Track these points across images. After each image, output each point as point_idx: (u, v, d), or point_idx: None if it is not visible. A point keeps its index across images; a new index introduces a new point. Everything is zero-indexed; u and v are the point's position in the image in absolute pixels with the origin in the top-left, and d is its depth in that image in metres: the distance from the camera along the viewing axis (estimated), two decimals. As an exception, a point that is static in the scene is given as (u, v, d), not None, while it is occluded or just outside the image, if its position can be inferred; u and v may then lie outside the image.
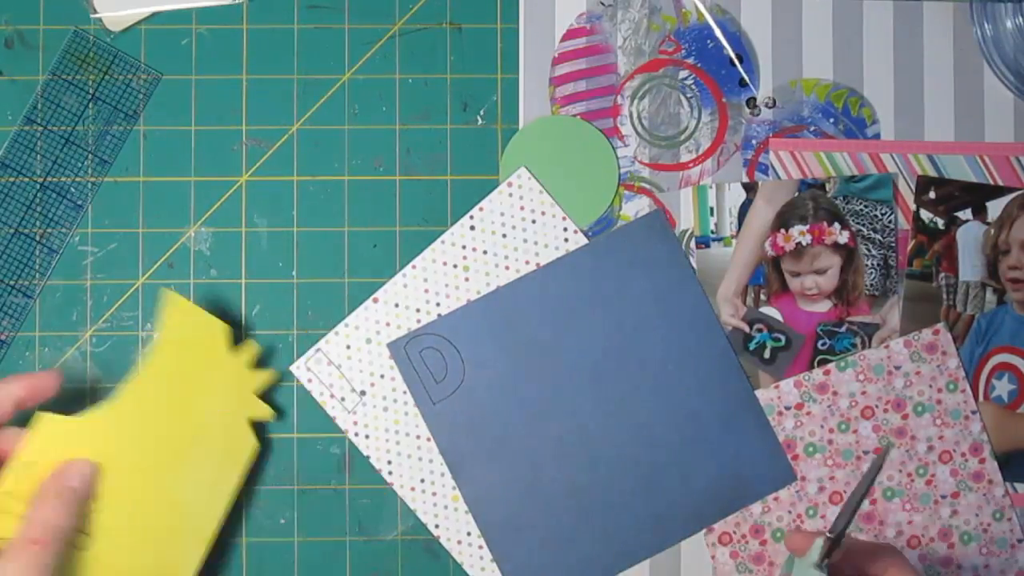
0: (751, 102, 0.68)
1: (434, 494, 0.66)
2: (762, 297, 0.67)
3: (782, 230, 0.67)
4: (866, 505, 0.66)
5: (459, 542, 0.66)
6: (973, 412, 0.66)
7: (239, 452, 0.62)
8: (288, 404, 0.66)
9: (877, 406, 0.66)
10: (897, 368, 0.67)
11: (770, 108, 0.68)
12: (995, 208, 0.68)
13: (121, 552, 0.59)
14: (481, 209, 0.67)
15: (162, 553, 0.60)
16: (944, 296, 0.67)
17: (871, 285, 0.67)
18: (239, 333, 0.66)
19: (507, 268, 0.66)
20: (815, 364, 0.67)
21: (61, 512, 0.54)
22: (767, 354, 0.67)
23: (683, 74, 0.68)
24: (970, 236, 0.68)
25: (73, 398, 0.66)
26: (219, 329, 0.62)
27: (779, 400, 0.66)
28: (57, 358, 0.66)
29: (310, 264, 0.67)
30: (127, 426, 0.60)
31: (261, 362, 0.65)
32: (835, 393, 0.67)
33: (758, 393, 0.66)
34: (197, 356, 0.62)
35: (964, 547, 0.66)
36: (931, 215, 0.68)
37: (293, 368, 0.66)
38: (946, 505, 0.66)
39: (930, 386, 0.67)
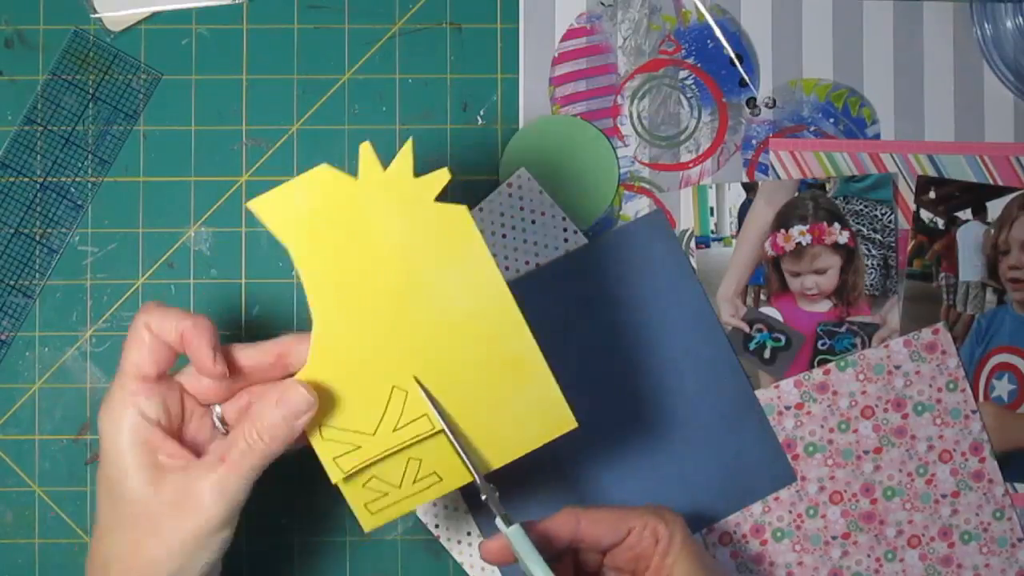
0: (751, 102, 0.68)
1: (434, 494, 0.66)
2: (762, 297, 0.67)
3: (782, 230, 0.67)
4: (867, 504, 0.66)
5: (459, 542, 0.66)
6: (973, 411, 0.66)
7: (458, 229, 0.50)
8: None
9: (877, 406, 0.66)
10: (897, 368, 0.67)
11: (770, 108, 0.68)
12: (995, 208, 0.68)
13: (475, 403, 0.52)
14: (481, 209, 0.67)
15: (508, 377, 0.52)
16: (944, 296, 0.67)
17: (871, 285, 0.67)
18: (239, 333, 0.66)
19: (507, 268, 0.66)
20: (815, 364, 0.67)
21: (258, 436, 0.50)
22: (767, 354, 0.67)
23: (683, 74, 0.68)
24: (970, 236, 0.68)
25: (73, 398, 0.66)
26: (327, 172, 0.50)
27: (779, 400, 0.66)
28: (57, 358, 0.66)
29: (310, 264, 0.67)
30: (362, 318, 0.51)
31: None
32: (835, 393, 0.67)
33: (758, 393, 0.66)
34: (337, 210, 0.50)
35: (964, 546, 0.66)
36: (931, 215, 0.68)
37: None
38: (946, 504, 0.66)
39: (930, 385, 0.67)
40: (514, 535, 0.52)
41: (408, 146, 0.50)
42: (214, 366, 0.50)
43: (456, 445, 0.51)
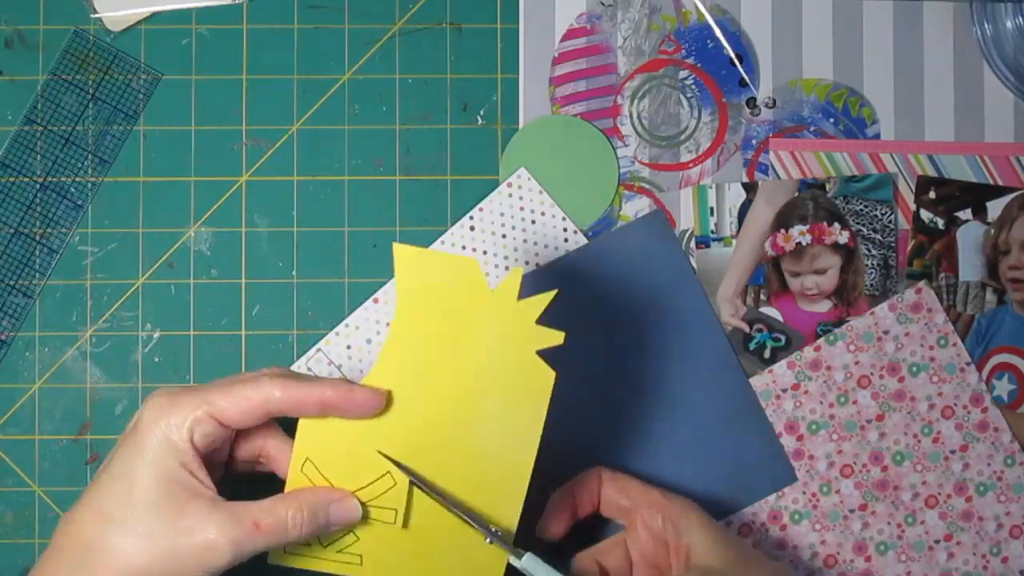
0: (751, 102, 0.68)
1: (434, 494, 0.66)
2: (762, 297, 0.67)
3: (782, 230, 0.67)
4: (878, 472, 0.66)
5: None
6: (968, 364, 0.66)
7: (536, 385, 0.54)
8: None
9: (872, 373, 0.66)
10: (886, 333, 0.67)
11: (770, 108, 0.68)
12: (995, 208, 0.68)
13: (440, 518, 0.54)
14: (481, 209, 0.67)
15: (482, 507, 0.54)
16: (944, 296, 0.67)
17: (871, 285, 0.67)
18: (239, 333, 0.66)
19: (507, 268, 0.66)
20: (815, 364, 0.67)
21: (300, 524, 0.51)
22: (767, 354, 0.67)
23: (683, 74, 0.68)
24: (970, 236, 0.68)
25: (73, 398, 0.66)
26: (470, 265, 0.53)
27: (775, 383, 0.66)
28: (57, 358, 0.66)
29: (310, 264, 0.67)
30: (407, 393, 0.54)
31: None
32: (829, 368, 0.67)
33: (752, 380, 0.66)
34: (453, 300, 0.53)
35: (981, 498, 0.66)
36: (931, 215, 0.68)
37: (293, 368, 0.66)
38: (957, 460, 0.66)
39: (921, 345, 0.67)
40: (529, 563, 0.52)
41: (517, 273, 0.53)
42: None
43: (461, 514, 0.53)
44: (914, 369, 0.66)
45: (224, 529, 0.49)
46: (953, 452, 0.66)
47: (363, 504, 0.53)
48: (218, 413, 0.50)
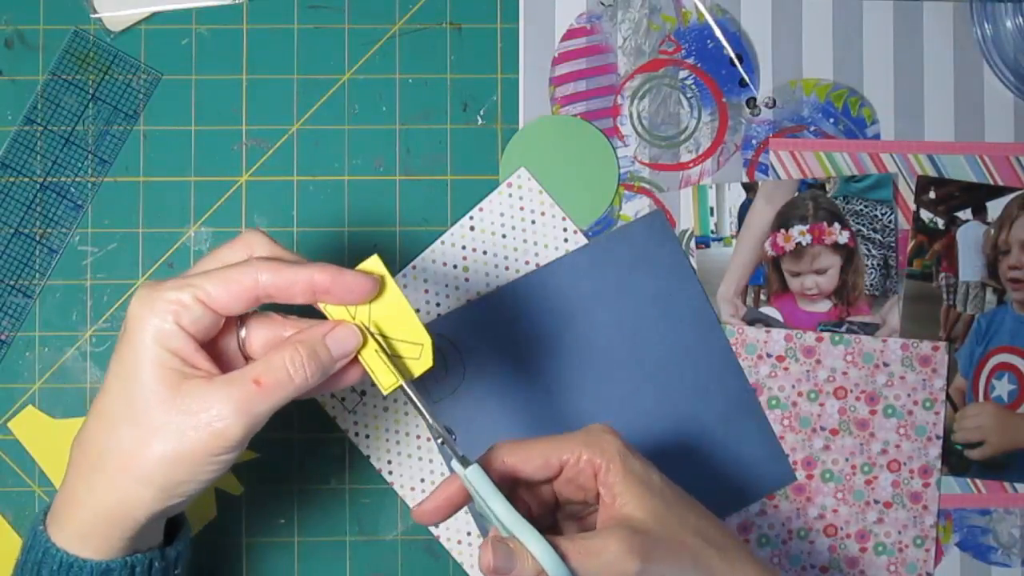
0: (751, 102, 0.68)
1: (434, 494, 0.66)
2: (762, 297, 0.67)
3: (782, 230, 0.67)
4: (803, 476, 0.66)
5: (459, 542, 0.66)
6: (938, 437, 0.66)
7: (196, 515, 0.60)
8: (288, 404, 0.66)
9: (852, 391, 0.66)
10: (886, 365, 0.67)
11: (770, 108, 0.68)
12: (995, 208, 0.68)
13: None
14: (481, 209, 0.67)
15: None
16: (944, 296, 0.67)
17: (871, 285, 0.67)
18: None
19: (507, 268, 0.66)
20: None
21: (301, 366, 0.48)
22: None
23: (683, 74, 0.68)
24: (970, 236, 0.68)
25: (73, 398, 0.66)
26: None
27: (764, 345, 0.66)
28: (57, 358, 0.66)
29: (310, 264, 0.67)
30: None
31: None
32: (819, 361, 0.67)
33: (747, 332, 0.66)
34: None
35: (875, 557, 0.66)
36: (931, 215, 0.68)
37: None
38: (875, 510, 0.66)
39: (908, 395, 0.66)
40: (474, 475, 0.50)
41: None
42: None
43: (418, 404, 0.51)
44: (889, 411, 0.66)
45: (226, 399, 0.47)
46: (877, 502, 0.66)
47: (362, 328, 0.51)
48: (206, 297, 0.48)
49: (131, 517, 0.48)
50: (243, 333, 0.51)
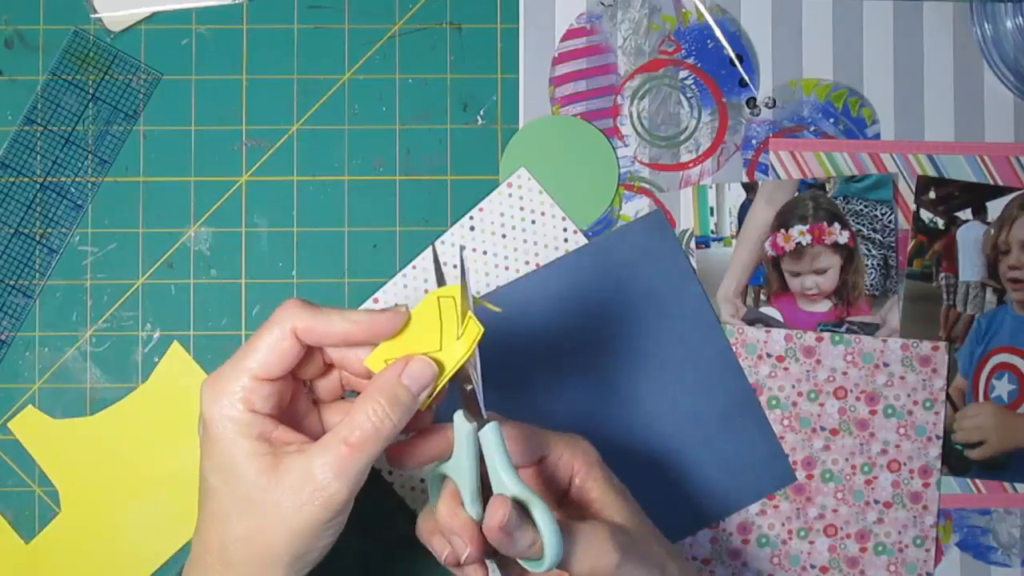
0: (751, 102, 0.68)
1: (434, 494, 0.66)
2: (762, 297, 0.67)
3: (782, 230, 0.67)
4: (802, 475, 0.66)
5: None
6: (938, 437, 0.66)
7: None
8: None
9: (852, 391, 0.66)
10: (886, 365, 0.67)
11: (770, 108, 0.68)
12: (995, 208, 0.68)
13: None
14: (481, 209, 0.67)
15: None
16: (944, 296, 0.67)
17: (871, 285, 0.67)
18: (239, 333, 0.66)
19: (507, 268, 0.66)
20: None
21: (384, 416, 0.49)
22: (767, 354, 0.67)
23: (683, 74, 0.68)
24: (970, 236, 0.68)
25: (73, 398, 0.66)
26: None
27: (764, 345, 0.66)
28: (57, 358, 0.66)
29: (310, 264, 0.67)
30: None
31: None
32: (819, 361, 0.67)
33: (747, 331, 0.66)
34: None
35: (875, 557, 0.66)
36: (931, 215, 0.68)
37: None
38: (875, 511, 0.66)
39: (909, 395, 0.66)
40: (490, 434, 0.50)
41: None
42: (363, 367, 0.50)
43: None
44: (889, 411, 0.66)
45: (324, 468, 0.47)
46: (877, 502, 0.66)
47: (433, 358, 0.51)
48: (262, 371, 0.49)
49: None
50: (310, 383, 0.53)
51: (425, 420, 0.53)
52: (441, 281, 0.53)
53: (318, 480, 0.47)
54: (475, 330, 0.51)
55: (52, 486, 0.65)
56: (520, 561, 0.50)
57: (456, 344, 0.51)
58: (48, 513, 0.65)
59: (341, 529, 0.50)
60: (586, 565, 0.49)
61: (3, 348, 0.66)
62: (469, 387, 0.51)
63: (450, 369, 0.51)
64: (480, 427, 0.50)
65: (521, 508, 0.48)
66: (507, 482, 0.49)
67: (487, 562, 0.53)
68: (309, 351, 0.51)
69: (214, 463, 0.49)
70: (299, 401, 0.52)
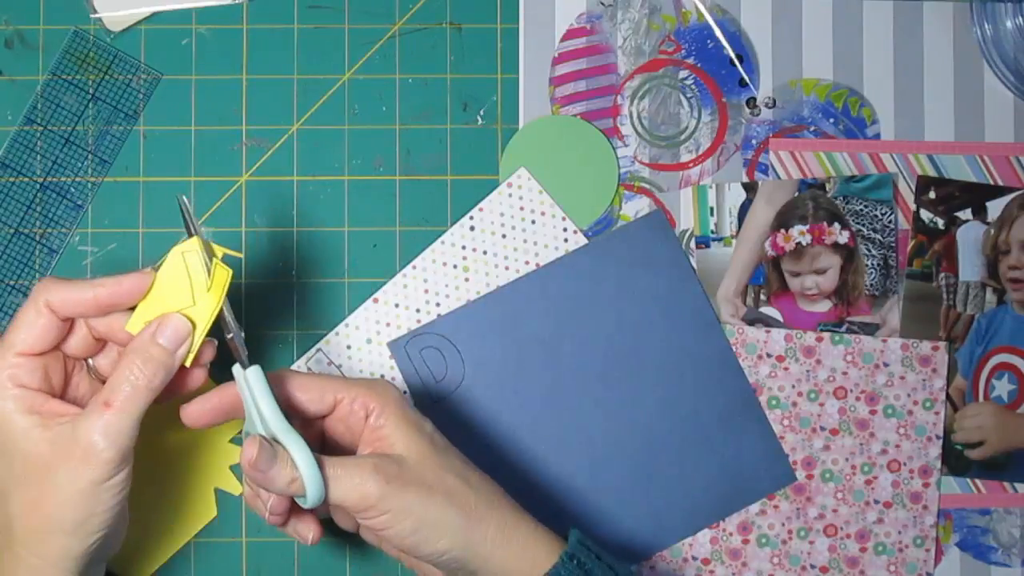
0: (751, 102, 0.68)
1: (434, 494, 0.65)
2: (762, 297, 0.67)
3: (782, 230, 0.67)
4: (802, 475, 0.66)
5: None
6: (938, 437, 0.66)
7: (196, 515, 0.65)
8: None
9: (852, 391, 0.66)
10: (886, 365, 0.67)
11: (770, 108, 0.68)
12: (995, 208, 0.68)
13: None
14: (481, 209, 0.67)
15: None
16: (944, 296, 0.67)
17: (871, 285, 0.67)
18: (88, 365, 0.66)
19: (507, 268, 0.66)
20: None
21: (140, 374, 0.50)
22: (767, 354, 0.67)
23: (683, 74, 0.68)
24: (970, 236, 0.68)
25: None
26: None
27: (764, 345, 0.66)
28: (57, 358, 0.66)
29: (310, 264, 0.67)
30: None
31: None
32: (819, 361, 0.67)
33: (747, 331, 0.66)
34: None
35: (875, 556, 0.66)
36: (931, 215, 0.68)
37: (293, 368, 0.66)
38: (875, 511, 0.66)
39: (908, 395, 0.66)
40: (253, 376, 0.52)
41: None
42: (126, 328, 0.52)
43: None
44: (889, 411, 0.66)
45: (89, 430, 0.49)
46: (876, 502, 0.66)
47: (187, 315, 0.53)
48: (23, 348, 0.51)
49: (63, 568, 0.50)
50: (91, 362, 0.55)
51: (198, 379, 0.55)
52: (190, 234, 0.54)
53: (84, 442, 0.49)
54: (223, 275, 0.53)
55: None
56: (297, 500, 0.51)
57: (207, 296, 0.53)
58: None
59: (124, 491, 0.51)
60: (348, 496, 0.50)
61: (3, 348, 0.66)
62: (230, 335, 0.53)
63: (206, 321, 0.53)
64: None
65: (282, 448, 0.50)
66: (269, 422, 0.51)
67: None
68: (73, 325, 0.53)
69: None
70: (79, 380, 0.55)
